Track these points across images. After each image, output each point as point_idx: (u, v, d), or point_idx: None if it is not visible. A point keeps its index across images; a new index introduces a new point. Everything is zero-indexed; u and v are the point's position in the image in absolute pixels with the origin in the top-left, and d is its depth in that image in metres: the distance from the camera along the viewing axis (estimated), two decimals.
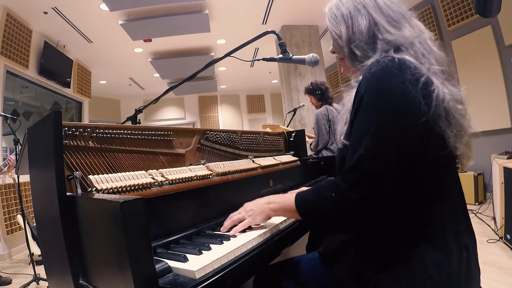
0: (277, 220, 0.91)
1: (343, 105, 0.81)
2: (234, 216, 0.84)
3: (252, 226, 0.83)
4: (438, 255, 0.63)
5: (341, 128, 0.78)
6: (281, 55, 1.22)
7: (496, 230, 2.66)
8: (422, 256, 0.63)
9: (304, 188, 0.84)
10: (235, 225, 0.82)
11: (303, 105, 3.56)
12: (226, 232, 0.81)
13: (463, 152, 0.70)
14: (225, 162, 1.20)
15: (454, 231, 0.67)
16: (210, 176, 1.05)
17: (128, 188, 0.79)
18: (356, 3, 0.76)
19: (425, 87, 0.62)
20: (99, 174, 0.80)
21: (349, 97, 0.76)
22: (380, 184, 0.62)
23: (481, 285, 0.72)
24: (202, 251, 0.67)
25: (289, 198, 0.78)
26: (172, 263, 0.60)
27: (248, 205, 0.86)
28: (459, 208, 0.72)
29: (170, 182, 0.90)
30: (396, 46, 0.70)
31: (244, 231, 0.82)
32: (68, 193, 0.69)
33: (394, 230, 0.66)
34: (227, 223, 0.84)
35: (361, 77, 0.70)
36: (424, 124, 0.60)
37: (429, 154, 0.63)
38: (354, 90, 0.72)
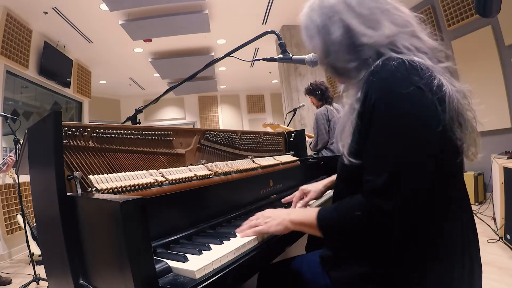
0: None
1: (342, 111, 0.76)
2: (253, 220, 0.81)
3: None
4: (443, 269, 0.61)
5: (343, 138, 0.70)
6: (281, 55, 1.22)
7: (496, 230, 2.66)
8: (427, 273, 0.62)
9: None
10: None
11: (303, 105, 3.56)
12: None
13: (472, 151, 0.67)
14: (225, 162, 1.21)
15: (462, 243, 0.65)
16: (210, 176, 1.05)
17: (128, 188, 0.79)
18: (327, 10, 0.69)
19: (439, 91, 0.58)
20: (99, 174, 0.80)
21: (344, 112, 0.71)
22: (414, 201, 0.57)
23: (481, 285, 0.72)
24: (202, 251, 0.67)
25: (310, 213, 0.72)
26: (172, 263, 0.60)
27: (267, 212, 0.81)
28: (468, 216, 0.70)
29: (170, 182, 0.90)
30: (378, 48, 0.64)
31: None
32: (68, 193, 0.69)
33: (405, 245, 0.62)
34: (244, 225, 0.80)
35: (361, 78, 0.64)
36: (442, 132, 0.57)
37: (448, 162, 0.61)
38: (349, 104, 0.67)
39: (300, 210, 0.82)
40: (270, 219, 0.77)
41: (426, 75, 0.58)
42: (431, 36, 0.67)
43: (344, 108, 0.71)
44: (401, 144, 0.57)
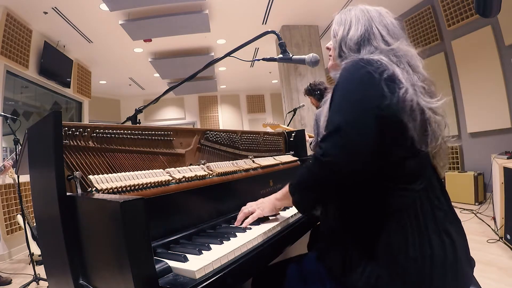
0: (277, 220, 0.91)
1: (325, 102, 0.87)
2: (246, 209, 0.94)
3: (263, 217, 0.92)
4: (417, 240, 0.66)
5: (323, 122, 0.84)
6: (281, 55, 1.22)
7: (496, 230, 2.66)
8: (401, 241, 0.67)
9: None
10: (246, 218, 0.91)
11: (303, 105, 3.55)
12: (240, 225, 0.90)
13: (436, 158, 0.77)
14: (225, 162, 1.21)
15: (433, 218, 0.70)
16: (210, 176, 1.05)
17: (128, 188, 0.79)
18: (361, 15, 0.85)
19: (390, 79, 0.69)
20: (99, 174, 0.80)
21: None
22: (350, 150, 0.67)
23: (481, 285, 0.72)
24: (202, 251, 0.67)
25: (287, 186, 0.86)
26: (172, 263, 0.60)
27: (259, 200, 0.97)
28: (438, 196, 0.75)
29: (170, 182, 0.90)
30: (387, 53, 0.77)
31: (244, 231, 0.82)
32: (68, 193, 0.69)
33: (371, 216, 0.71)
34: (240, 216, 0.92)
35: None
36: (386, 109, 0.67)
37: (388, 138, 0.68)
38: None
39: (282, 189, 0.94)
40: (261, 204, 0.94)
41: (380, 66, 0.70)
42: (427, 72, 0.80)
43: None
44: (347, 109, 0.70)
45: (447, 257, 0.66)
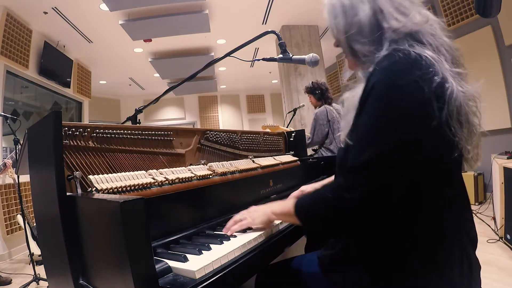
0: (277, 220, 0.91)
1: (346, 99, 0.73)
2: (236, 216, 0.85)
3: (253, 228, 0.83)
4: (439, 267, 0.61)
5: (344, 125, 0.70)
6: (281, 55, 1.22)
7: (496, 230, 2.66)
8: (422, 272, 0.61)
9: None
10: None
11: (303, 105, 3.55)
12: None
13: (472, 155, 0.65)
14: (225, 162, 1.20)
15: (460, 244, 0.64)
16: (210, 176, 1.05)
17: (128, 188, 0.79)
18: None
19: (440, 87, 0.57)
20: (99, 174, 0.80)
21: (355, 92, 0.69)
22: (384, 188, 0.57)
23: (481, 285, 0.72)
24: (202, 251, 0.67)
25: (289, 202, 0.75)
26: (172, 263, 0.60)
27: (251, 208, 0.86)
28: (467, 216, 0.69)
29: (170, 182, 0.90)
30: (404, 33, 0.63)
31: (244, 231, 0.82)
32: (68, 193, 0.69)
33: (396, 239, 0.63)
34: (229, 223, 0.84)
35: (370, 70, 0.64)
36: (435, 128, 0.56)
37: (437, 159, 0.60)
38: (361, 86, 0.66)
39: (281, 202, 0.83)
40: (253, 213, 0.83)
41: (428, 70, 0.57)
42: (448, 36, 0.67)
43: (352, 92, 0.70)
44: (387, 131, 0.58)
45: (463, 283, 0.63)
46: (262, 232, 0.79)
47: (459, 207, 0.67)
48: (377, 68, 0.61)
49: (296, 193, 1.11)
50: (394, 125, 0.57)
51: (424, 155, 0.58)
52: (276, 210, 0.80)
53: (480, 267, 0.69)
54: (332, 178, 1.11)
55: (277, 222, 0.87)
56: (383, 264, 0.64)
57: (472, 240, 0.69)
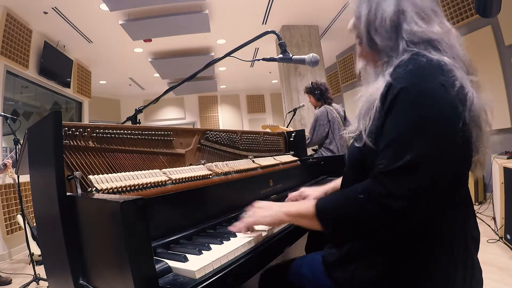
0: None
1: (361, 100, 0.71)
2: (246, 218, 0.80)
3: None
4: (446, 270, 0.62)
5: (365, 117, 0.67)
6: (281, 55, 1.22)
7: (496, 230, 2.66)
8: (433, 275, 0.62)
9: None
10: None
11: (303, 105, 3.55)
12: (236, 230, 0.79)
13: (482, 163, 0.68)
14: (225, 162, 1.20)
15: (465, 245, 0.65)
16: (210, 176, 1.05)
17: (128, 188, 0.79)
18: None
19: (461, 91, 0.59)
20: (99, 174, 0.80)
21: (370, 91, 0.67)
22: (430, 193, 0.56)
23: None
24: (202, 251, 0.67)
25: (307, 203, 0.72)
26: (172, 263, 0.60)
27: (260, 203, 0.82)
28: (471, 215, 0.70)
29: (170, 182, 0.90)
30: (422, 40, 0.65)
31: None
32: (68, 193, 0.69)
33: (411, 242, 0.62)
34: (239, 225, 0.79)
35: (389, 71, 0.64)
36: (463, 130, 0.58)
37: (466, 161, 0.61)
38: (375, 85, 0.66)
39: (296, 202, 0.80)
40: (263, 210, 0.78)
41: (449, 75, 0.60)
42: (465, 51, 0.70)
43: (368, 88, 0.69)
44: (426, 134, 0.57)
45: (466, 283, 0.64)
46: (262, 232, 0.79)
47: (465, 206, 0.68)
48: (401, 71, 0.62)
49: (295, 194, 1.10)
50: (430, 128, 0.57)
51: (458, 156, 0.59)
52: (292, 211, 0.75)
53: (481, 271, 0.70)
54: (336, 184, 1.08)
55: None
56: (392, 264, 0.64)
57: (475, 241, 0.69)
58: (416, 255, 0.62)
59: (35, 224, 2.95)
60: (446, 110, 0.58)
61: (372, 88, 0.67)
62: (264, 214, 0.77)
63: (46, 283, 2.39)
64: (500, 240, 2.50)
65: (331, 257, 0.77)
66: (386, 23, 0.67)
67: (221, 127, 8.48)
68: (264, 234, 0.79)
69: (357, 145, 0.68)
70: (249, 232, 0.78)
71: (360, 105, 0.70)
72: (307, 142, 2.88)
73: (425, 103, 0.58)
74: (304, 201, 0.80)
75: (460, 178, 0.64)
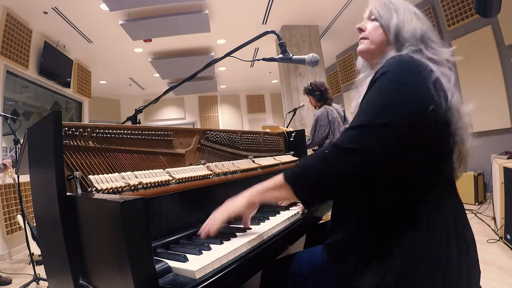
0: (276, 220, 0.91)
1: (355, 98, 0.84)
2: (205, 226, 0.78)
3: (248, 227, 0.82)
4: (438, 247, 0.65)
5: (353, 108, 0.80)
6: (281, 55, 1.22)
7: (496, 230, 2.66)
8: (423, 247, 0.65)
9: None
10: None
11: (303, 105, 3.55)
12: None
13: (461, 161, 0.75)
14: (225, 162, 1.20)
15: (455, 225, 0.69)
16: (210, 176, 1.05)
17: (128, 188, 0.79)
18: (417, 12, 0.86)
19: (438, 83, 0.67)
20: (99, 174, 0.80)
21: (364, 84, 0.79)
22: (380, 148, 0.64)
23: (481, 285, 0.72)
24: (202, 251, 0.67)
25: (274, 177, 0.76)
26: (172, 263, 0.60)
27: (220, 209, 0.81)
28: (458, 205, 0.74)
29: (170, 182, 0.90)
30: (426, 57, 0.74)
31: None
32: (68, 193, 0.69)
33: (394, 218, 0.68)
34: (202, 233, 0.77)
35: (380, 65, 0.74)
36: (433, 112, 0.64)
37: (433, 142, 0.67)
38: (370, 78, 0.75)
39: (260, 183, 0.80)
40: (226, 207, 0.79)
41: (427, 68, 0.69)
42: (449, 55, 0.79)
43: (365, 81, 0.80)
44: (393, 105, 0.66)
45: (461, 269, 0.66)
46: (262, 232, 0.79)
47: (448, 184, 0.74)
48: (391, 60, 0.72)
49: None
50: (400, 100, 0.66)
51: (424, 134, 0.65)
52: (259, 189, 0.77)
53: (475, 245, 0.73)
54: None
55: (277, 221, 0.87)
56: (386, 243, 0.68)
57: (469, 231, 0.73)
58: (406, 237, 0.66)
59: (35, 224, 2.95)
60: (417, 90, 0.66)
61: (363, 87, 0.78)
62: (229, 208, 0.78)
63: (46, 283, 2.39)
64: (500, 240, 2.50)
65: (333, 245, 0.80)
66: (413, 35, 0.79)
67: (221, 127, 8.48)
68: (264, 234, 0.79)
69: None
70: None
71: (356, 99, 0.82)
72: (308, 143, 2.88)
73: (400, 83, 0.67)
74: (274, 177, 0.78)
75: (433, 155, 0.69)
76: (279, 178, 0.74)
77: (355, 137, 0.66)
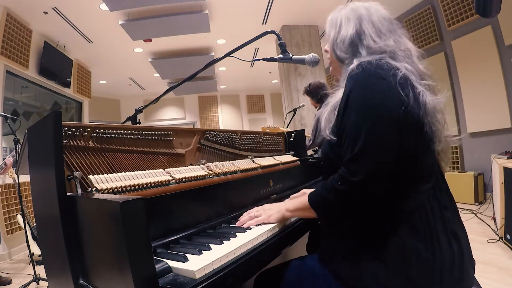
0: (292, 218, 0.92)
1: (326, 105, 0.88)
2: (252, 212, 0.91)
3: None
4: (428, 242, 0.68)
5: (325, 124, 0.84)
6: (281, 55, 1.22)
7: (496, 230, 2.66)
8: (413, 243, 0.67)
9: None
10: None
11: (303, 105, 3.55)
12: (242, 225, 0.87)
13: (440, 155, 0.79)
14: (225, 162, 1.20)
15: (442, 219, 0.71)
16: (210, 176, 1.05)
17: (128, 188, 0.79)
18: (350, 14, 0.86)
19: (403, 81, 0.71)
20: (99, 174, 0.80)
21: (335, 96, 0.84)
22: (377, 169, 0.69)
23: (481, 285, 0.72)
24: (202, 251, 0.67)
25: (302, 197, 0.85)
26: (172, 263, 0.60)
27: (266, 205, 0.94)
28: (444, 196, 0.76)
29: (170, 182, 0.90)
30: (379, 51, 0.79)
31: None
32: (68, 193, 0.69)
33: (383, 219, 0.72)
34: (244, 218, 0.90)
35: (343, 78, 0.80)
36: (404, 112, 0.69)
37: (410, 140, 0.70)
38: (341, 90, 0.80)
39: (294, 199, 0.92)
40: (269, 210, 0.90)
41: (390, 68, 0.72)
42: (425, 67, 0.81)
43: (333, 98, 0.86)
44: (370, 122, 0.69)
45: (454, 260, 0.68)
46: (263, 232, 0.79)
47: (435, 180, 0.76)
48: (349, 76, 0.76)
49: (296, 195, 1.11)
50: (374, 114, 0.69)
51: (399, 138, 0.69)
52: (290, 207, 0.88)
53: (467, 237, 0.75)
54: None
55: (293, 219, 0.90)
56: (375, 241, 0.71)
57: (457, 223, 0.75)
58: (396, 226, 0.70)
59: (35, 224, 2.95)
60: (385, 97, 0.70)
61: (336, 95, 0.83)
62: (270, 213, 0.88)
63: (46, 283, 2.39)
64: (500, 240, 2.50)
65: (326, 250, 0.83)
66: (345, 42, 0.84)
67: (221, 127, 8.48)
68: (264, 234, 0.79)
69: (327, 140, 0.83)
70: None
71: (327, 109, 0.85)
72: (309, 143, 2.88)
73: (367, 97, 0.71)
74: (302, 196, 0.89)
75: (417, 153, 0.72)
76: (305, 202, 0.82)
77: (352, 170, 0.69)
